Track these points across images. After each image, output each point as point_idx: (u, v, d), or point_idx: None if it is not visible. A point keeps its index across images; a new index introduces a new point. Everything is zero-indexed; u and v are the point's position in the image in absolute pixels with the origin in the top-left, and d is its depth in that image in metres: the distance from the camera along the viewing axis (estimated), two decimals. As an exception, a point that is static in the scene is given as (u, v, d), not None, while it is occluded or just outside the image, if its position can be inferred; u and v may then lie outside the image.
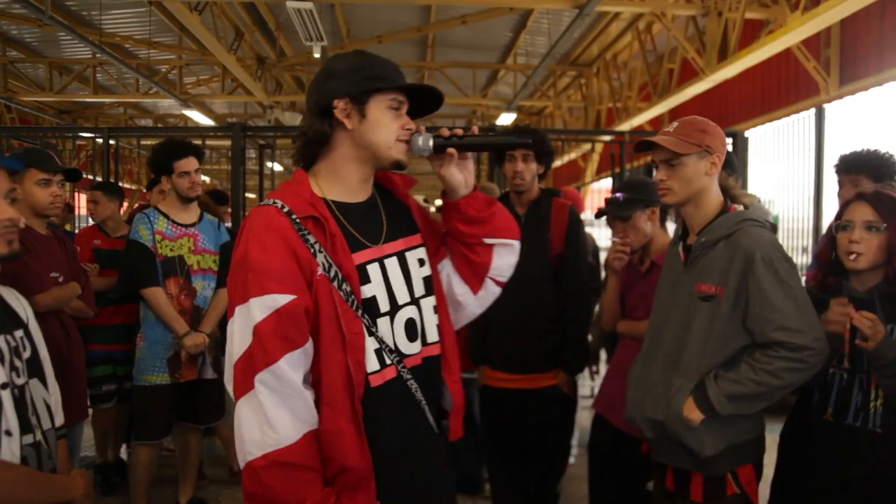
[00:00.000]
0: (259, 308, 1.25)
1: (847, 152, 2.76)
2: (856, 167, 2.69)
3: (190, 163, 3.05)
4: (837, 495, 1.80)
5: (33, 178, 2.64)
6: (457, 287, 1.56)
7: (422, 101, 1.45)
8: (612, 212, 2.51)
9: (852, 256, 1.81)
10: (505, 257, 1.55)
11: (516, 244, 1.57)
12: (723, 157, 1.85)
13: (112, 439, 3.79)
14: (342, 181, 1.39)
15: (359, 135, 1.36)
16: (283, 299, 1.25)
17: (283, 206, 1.32)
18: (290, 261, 1.27)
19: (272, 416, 1.23)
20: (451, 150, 1.43)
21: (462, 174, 1.47)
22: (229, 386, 1.31)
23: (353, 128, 1.35)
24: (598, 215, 2.66)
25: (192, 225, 3.12)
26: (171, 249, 3.03)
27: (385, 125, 1.36)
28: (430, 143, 1.40)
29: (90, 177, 6.46)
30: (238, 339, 1.27)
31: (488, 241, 1.51)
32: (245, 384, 1.25)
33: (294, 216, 1.30)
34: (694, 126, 1.85)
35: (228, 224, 5.03)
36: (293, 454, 1.23)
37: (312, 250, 1.29)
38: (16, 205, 2.49)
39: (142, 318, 3.06)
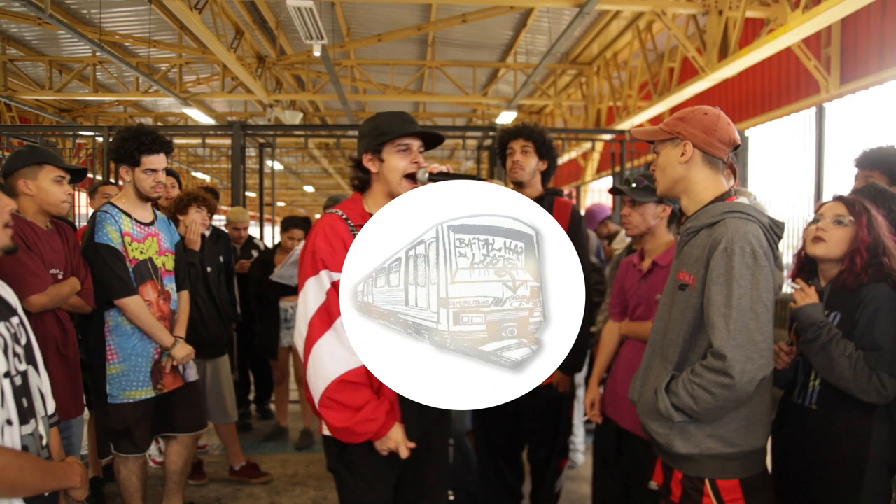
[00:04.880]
0: (326, 279, 1.84)
1: (870, 147, 2.72)
2: (871, 163, 2.67)
3: (159, 160, 2.77)
4: (800, 473, 1.92)
5: (49, 175, 2.58)
6: None
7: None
8: (630, 192, 2.48)
9: (814, 240, 1.93)
10: None
11: None
12: (700, 143, 1.73)
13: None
14: (378, 204, 1.86)
15: (381, 175, 1.95)
16: (335, 276, 1.81)
17: (342, 215, 1.92)
18: (341, 250, 1.78)
19: (345, 347, 1.76)
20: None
21: None
22: (300, 342, 1.84)
23: (378, 170, 1.96)
24: (613, 191, 2.60)
25: (152, 223, 2.88)
26: (140, 252, 2.77)
27: (394, 167, 1.92)
28: (426, 176, 1.89)
29: (90, 175, 6.46)
30: (313, 299, 1.84)
31: None
32: (323, 328, 1.81)
33: (350, 222, 1.90)
34: (678, 115, 1.80)
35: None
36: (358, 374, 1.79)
37: None
38: (26, 201, 2.55)
39: (110, 328, 2.74)
